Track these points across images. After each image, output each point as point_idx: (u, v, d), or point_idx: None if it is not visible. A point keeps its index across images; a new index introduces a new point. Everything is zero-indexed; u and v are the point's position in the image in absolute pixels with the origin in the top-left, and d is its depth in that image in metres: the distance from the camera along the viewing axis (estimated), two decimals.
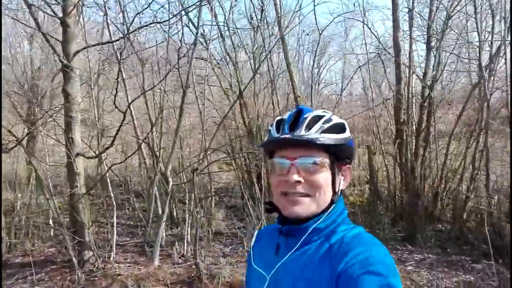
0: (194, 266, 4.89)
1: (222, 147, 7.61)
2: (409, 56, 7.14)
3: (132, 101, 4.58)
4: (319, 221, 1.08)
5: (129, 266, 5.11)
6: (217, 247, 6.07)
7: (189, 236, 5.36)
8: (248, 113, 7.83)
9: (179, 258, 5.48)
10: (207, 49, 6.76)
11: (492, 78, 6.64)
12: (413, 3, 7.26)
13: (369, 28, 8.60)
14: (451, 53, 7.81)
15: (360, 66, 8.54)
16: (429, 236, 6.58)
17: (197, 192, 5.92)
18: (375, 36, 8.32)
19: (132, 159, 8.09)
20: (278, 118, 1.18)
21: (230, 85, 7.96)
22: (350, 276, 0.93)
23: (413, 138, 7.53)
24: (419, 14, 7.72)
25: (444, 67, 7.87)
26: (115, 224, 5.08)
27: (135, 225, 6.92)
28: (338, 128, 1.12)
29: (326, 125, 1.10)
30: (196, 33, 5.05)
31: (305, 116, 1.11)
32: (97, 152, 5.54)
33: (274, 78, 7.88)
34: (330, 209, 1.10)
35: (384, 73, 8.99)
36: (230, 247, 6.08)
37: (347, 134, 1.14)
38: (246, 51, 8.30)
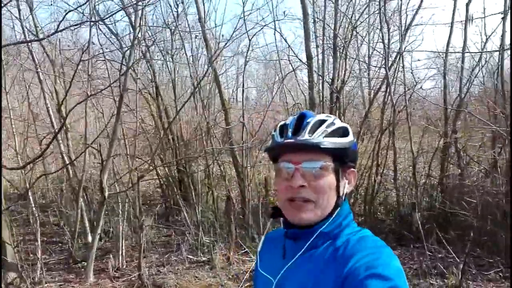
0: (135, 278, 4.69)
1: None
2: (322, 64, 7.66)
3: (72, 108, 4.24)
4: (324, 225, 1.09)
5: (61, 285, 4.75)
6: (153, 257, 5.88)
7: (123, 248, 5.06)
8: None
9: (115, 271, 5.20)
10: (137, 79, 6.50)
11: (394, 84, 7.40)
12: (325, 15, 7.80)
13: (282, 36, 8.98)
14: (358, 59, 8.57)
15: (284, 79, 8.88)
16: None
17: (129, 202, 5.62)
18: (287, 44, 8.73)
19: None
20: (281, 123, 1.20)
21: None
22: (355, 279, 0.94)
23: None
24: (328, 25, 8.29)
25: (349, 74, 8.65)
26: (39, 241, 4.59)
27: (50, 241, 6.33)
28: (341, 132, 1.15)
29: (329, 129, 1.12)
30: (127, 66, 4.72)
31: (308, 120, 1.13)
32: (22, 164, 4.98)
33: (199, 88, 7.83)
34: (335, 212, 1.11)
35: (295, 79, 9.50)
36: (166, 256, 5.92)
37: (350, 137, 1.16)
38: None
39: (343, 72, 8.41)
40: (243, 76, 7.32)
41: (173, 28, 7.31)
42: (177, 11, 7.69)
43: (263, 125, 7.62)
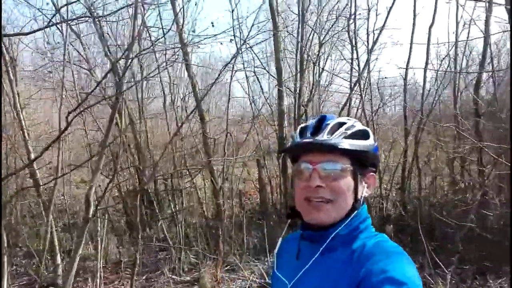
0: None
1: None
2: (297, 78, 7.79)
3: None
4: (341, 228, 1.08)
5: None
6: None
7: (101, 268, 4.81)
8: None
9: None
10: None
11: (362, 96, 7.66)
12: (302, 30, 7.93)
13: (251, 49, 9.05)
14: (330, 72, 8.80)
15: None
16: None
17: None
18: (256, 56, 8.81)
19: None
20: (302, 125, 1.21)
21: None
22: (370, 284, 0.94)
23: None
24: (294, 37, 8.44)
25: (316, 87, 8.89)
26: (6, 267, 4.18)
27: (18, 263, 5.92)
28: (362, 135, 1.14)
29: (349, 131, 1.12)
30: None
31: (328, 122, 1.14)
32: None
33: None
34: (352, 215, 1.10)
35: (261, 90, 9.57)
36: (144, 277, 5.59)
37: (371, 141, 1.15)
38: None
39: (311, 86, 8.59)
40: (229, 86, 7.27)
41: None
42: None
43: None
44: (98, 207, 3.88)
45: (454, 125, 6.61)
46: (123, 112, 6.72)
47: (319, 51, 8.40)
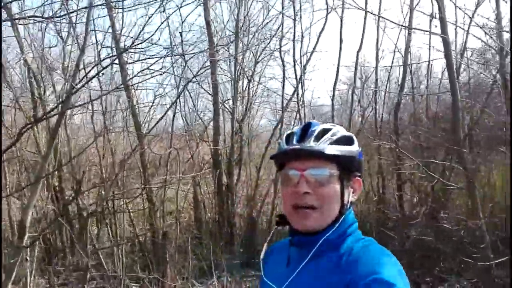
0: None
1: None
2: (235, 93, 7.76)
3: None
4: (329, 233, 1.09)
5: None
6: None
7: None
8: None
9: None
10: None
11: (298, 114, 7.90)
12: (237, 47, 7.97)
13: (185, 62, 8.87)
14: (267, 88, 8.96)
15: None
16: None
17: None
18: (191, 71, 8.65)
19: None
20: (288, 132, 1.20)
21: None
22: (358, 286, 0.95)
23: (227, 167, 8.28)
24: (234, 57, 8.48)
25: (250, 105, 8.99)
26: None
27: None
28: (347, 141, 1.16)
29: (335, 137, 1.13)
30: None
31: (314, 128, 1.14)
32: None
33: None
34: (340, 220, 1.11)
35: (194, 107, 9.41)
36: None
37: (355, 146, 1.17)
38: None
39: (247, 103, 8.66)
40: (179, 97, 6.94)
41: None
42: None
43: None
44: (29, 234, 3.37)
45: (387, 143, 7.05)
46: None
47: (254, 68, 8.52)
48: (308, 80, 10.44)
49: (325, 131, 1.14)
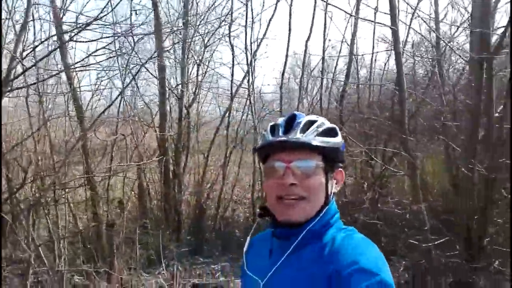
0: None
1: None
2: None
3: None
4: (313, 223, 1.10)
5: None
6: None
7: None
8: None
9: None
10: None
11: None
12: (186, 30, 7.67)
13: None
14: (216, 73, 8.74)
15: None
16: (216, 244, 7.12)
17: None
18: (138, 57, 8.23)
19: None
20: (272, 123, 1.20)
21: None
22: (341, 275, 0.96)
23: (174, 154, 8.05)
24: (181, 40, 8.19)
25: (199, 90, 8.77)
26: None
27: None
28: (332, 132, 1.17)
29: (320, 129, 1.14)
30: None
31: (299, 120, 1.14)
32: None
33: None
34: (323, 211, 1.12)
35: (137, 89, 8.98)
36: None
37: (339, 138, 1.18)
38: None
39: (195, 88, 8.44)
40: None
41: None
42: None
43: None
44: None
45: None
46: None
47: (203, 53, 8.30)
48: (258, 67, 10.37)
49: (310, 123, 1.14)
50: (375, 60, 8.72)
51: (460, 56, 6.21)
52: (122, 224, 5.73)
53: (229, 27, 8.37)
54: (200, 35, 8.21)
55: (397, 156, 6.73)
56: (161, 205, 7.74)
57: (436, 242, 4.71)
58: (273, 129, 1.17)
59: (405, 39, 7.71)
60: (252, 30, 8.27)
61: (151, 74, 8.16)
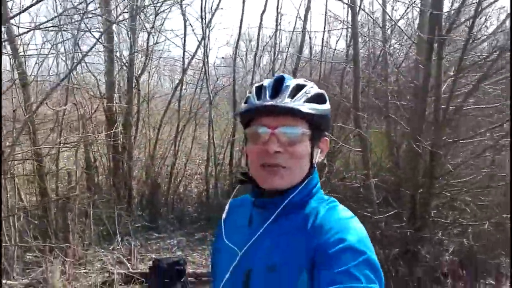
0: None
1: None
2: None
3: None
4: (294, 193, 1.06)
5: None
6: None
7: None
8: None
9: None
10: None
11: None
12: None
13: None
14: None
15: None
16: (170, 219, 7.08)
17: None
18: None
19: None
20: (258, 84, 1.12)
21: None
22: (327, 252, 0.94)
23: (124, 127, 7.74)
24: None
25: (149, 61, 8.39)
26: None
27: None
28: (320, 98, 1.10)
29: (309, 95, 1.07)
30: None
31: (287, 84, 1.07)
32: None
33: None
34: (306, 181, 1.09)
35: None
36: None
37: (327, 105, 1.12)
38: None
39: (145, 59, 8.06)
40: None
41: None
42: None
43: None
44: None
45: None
46: None
47: (154, 21, 7.91)
48: (213, 39, 10.09)
49: (299, 87, 1.07)
50: (329, 37, 8.88)
51: (408, 37, 6.45)
52: (73, 199, 5.46)
53: None
54: (152, 1, 7.77)
55: (345, 131, 7.03)
56: (112, 180, 7.46)
57: (385, 215, 5.02)
58: (260, 92, 1.08)
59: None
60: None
61: (99, 41, 7.63)
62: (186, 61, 8.27)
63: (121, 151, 7.61)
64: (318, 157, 1.12)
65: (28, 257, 4.75)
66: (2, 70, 4.49)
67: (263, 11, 8.20)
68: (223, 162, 8.46)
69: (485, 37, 5.53)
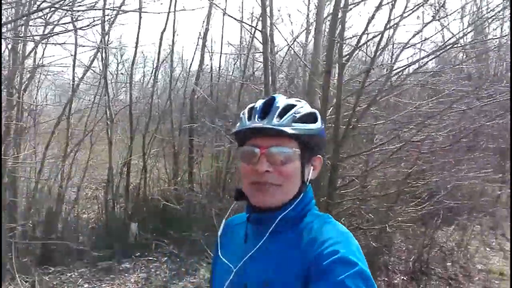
0: None
1: None
2: None
3: None
4: (287, 210, 1.08)
5: None
6: None
7: None
8: None
9: None
10: None
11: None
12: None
13: None
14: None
15: None
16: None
17: None
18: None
19: None
20: (250, 105, 1.17)
21: None
22: (321, 266, 0.95)
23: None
24: None
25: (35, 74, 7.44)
26: None
27: None
28: (310, 118, 1.13)
29: (298, 115, 1.10)
30: None
31: (277, 104, 1.11)
32: None
33: None
34: (299, 198, 1.11)
35: None
36: None
37: (318, 124, 1.14)
38: None
39: (31, 71, 7.16)
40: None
41: None
42: None
43: None
44: None
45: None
46: None
47: (44, 30, 7.09)
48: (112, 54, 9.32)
49: (289, 108, 1.11)
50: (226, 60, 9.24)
51: (306, 65, 6.77)
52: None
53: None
54: (40, 9, 6.94)
55: None
56: None
57: None
58: (250, 113, 1.13)
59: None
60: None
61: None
62: (80, 75, 7.49)
63: None
64: (311, 175, 1.15)
65: None
66: None
67: (164, 30, 8.07)
68: (119, 184, 7.93)
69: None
